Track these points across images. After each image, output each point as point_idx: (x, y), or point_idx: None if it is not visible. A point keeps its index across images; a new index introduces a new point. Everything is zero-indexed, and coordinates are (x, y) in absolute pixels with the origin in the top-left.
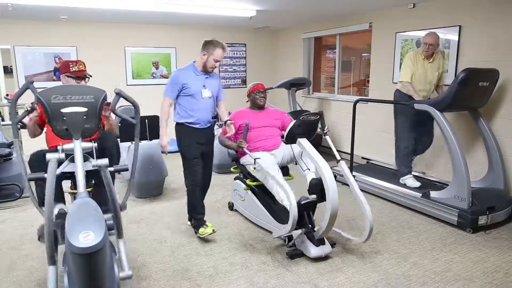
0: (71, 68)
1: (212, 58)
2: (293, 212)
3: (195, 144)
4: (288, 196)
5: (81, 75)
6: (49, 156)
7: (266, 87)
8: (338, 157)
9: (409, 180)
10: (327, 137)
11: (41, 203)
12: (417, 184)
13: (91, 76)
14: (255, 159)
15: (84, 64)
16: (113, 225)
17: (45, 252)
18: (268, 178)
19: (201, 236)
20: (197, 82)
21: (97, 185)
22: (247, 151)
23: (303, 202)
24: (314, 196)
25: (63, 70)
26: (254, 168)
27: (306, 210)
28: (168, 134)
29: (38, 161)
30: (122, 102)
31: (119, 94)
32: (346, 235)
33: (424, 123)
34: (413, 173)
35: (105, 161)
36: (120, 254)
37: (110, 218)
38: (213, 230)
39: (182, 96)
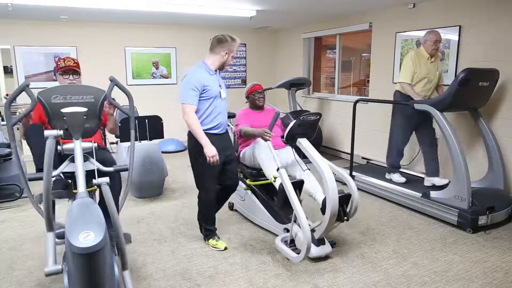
0: (59, 65)
1: (232, 55)
2: (307, 239)
3: (219, 152)
4: (302, 227)
5: (66, 69)
6: (47, 132)
7: (266, 87)
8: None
9: (395, 176)
10: (292, 150)
11: (39, 165)
12: (403, 179)
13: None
14: (278, 168)
15: (73, 60)
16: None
17: (44, 252)
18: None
19: (211, 247)
20: (214, 82)
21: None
22: (271, 148)
23: (339, 195)
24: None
25: (56, 68)
26: (275, 178)
27: (340, 203)
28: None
29: (35, 132)
30: (122, 102)
31: (113, 81)
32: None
33: (423, 124)
34: (415, 173)
35: (105, 179)
36: (126, 286)
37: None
38: (225, 247)
39: (201, 101)
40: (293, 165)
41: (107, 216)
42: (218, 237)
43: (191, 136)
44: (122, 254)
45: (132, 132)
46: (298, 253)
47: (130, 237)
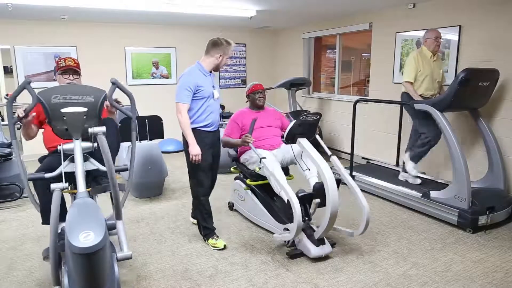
0: (59, 64)
1: (226, 57)
2: (297, 216)
3: (209, 149)
4: (291, 201)
5: (66, 69)
6: (53, 186)
7: (266, 87)
8: (329, 153)
9: (411, 178)
10: (317, 136)
11: (45, 220)
12: (418, 181)
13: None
14: (261, 159)
15: (74, 60)
16: (114, 225)
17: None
18: (272, 179)
19: (211, 246)
20: (208, 83)
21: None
22: (252, 146)
23: (300, 195)
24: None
25: (56, 68)
26: (259, 168)
27: (303, 203)
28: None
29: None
30: (124, 102)
31: (115, 84)
32: (342, 228)
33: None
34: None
35: (102, 128)
36: (119, 234)
37: (110, 218)
38: (225, 246)
39: (195, 100)
40: (292, 162)
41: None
42: (217, 236)
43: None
44: (117, 204)
45: (133, 134)
46: (298, 253)
47: (124, 187)
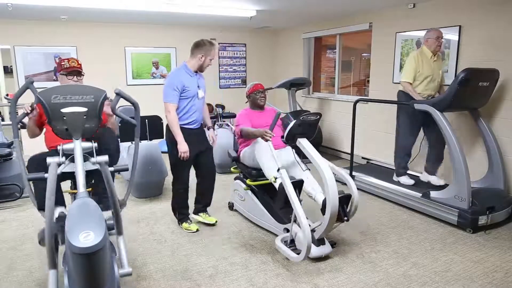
0: (63, 65)
1: (209, 58)
2: (308, 239)
3: (192, 145)
4: (302, 227)
5: (71, 71)
6: (49, 159)
7: (266, 87)
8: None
9: (402, 178)
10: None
11: (40, 205)
12: (411, 181)
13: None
14: (279, 169)
15: (77, 61)
16: (113, 225)
17: (45, 254)
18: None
19: (184, 229)
20: (193, 83)
21: (97, 184)
22: (272, 148)
23: (339, 196)
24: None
25: (58, 69)
26: (276, 179)
27: (341, 204)
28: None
29: (35, 166)
30: (122, 102)
31: (119, 95)
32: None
33: (432, 122)
34: (415, 173)
35: (104, 158)
36: (120, 251)
37: (110, 218)
38: (197, 229)
39: (180, 99)
40: (293, 165)
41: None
42: (191, 221)
43: (168, 130)
44: (118, 220)
45: (137, 140)
46: (298, 253)
47: (124, 202)
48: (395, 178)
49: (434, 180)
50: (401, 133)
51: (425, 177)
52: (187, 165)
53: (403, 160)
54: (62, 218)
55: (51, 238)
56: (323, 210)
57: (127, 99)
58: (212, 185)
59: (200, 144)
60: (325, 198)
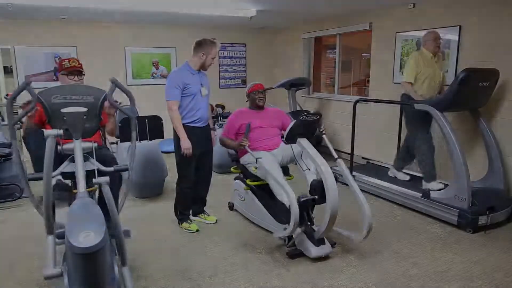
0: (64, 65)
1: (211, 57)
2: (295, 213)
3: (196, 144)
4: (288, 196)
5: (72, 71)
6: (47, 132)
7: (266, 87)
8: (336, 156)
9: (433, 184)
10: (324, 136)
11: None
12: (441, 185)
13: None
14: (256, 159)
15: (78, 61)
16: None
17: (45, 251)
18: (269, 178)
19: (184, 229)
20: (195, 81)
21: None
22: (248, 149)
23: (302, 200)
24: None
25: (59, 69)
26: (256, 168)
27: (305, 208)
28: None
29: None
30: (124, 102)
31: (114, 83)
32: (345, 231)
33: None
34: (415, 173)
35: (105, 179)
36: (126, 283)
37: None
38: (197, 229)
39: (183, 97)
40: (292, 159)
41: (106, 214)
42: (191, 221)
43: (175, 130)
44: (122, 251)
45: (133, 133)
46: (298, 253)
47: (129, 233)
48: (390, 173)
49: (401, 176)
50: (420, 139)
51: (392, 172)
52: (191, 164)
53: (431, 164)
54: (59, 185)
55: (49, 206)
56: (310, 191)
57: (120, 88)
58: (206, 187)
59: (205, 143)
60: (313, 180)
